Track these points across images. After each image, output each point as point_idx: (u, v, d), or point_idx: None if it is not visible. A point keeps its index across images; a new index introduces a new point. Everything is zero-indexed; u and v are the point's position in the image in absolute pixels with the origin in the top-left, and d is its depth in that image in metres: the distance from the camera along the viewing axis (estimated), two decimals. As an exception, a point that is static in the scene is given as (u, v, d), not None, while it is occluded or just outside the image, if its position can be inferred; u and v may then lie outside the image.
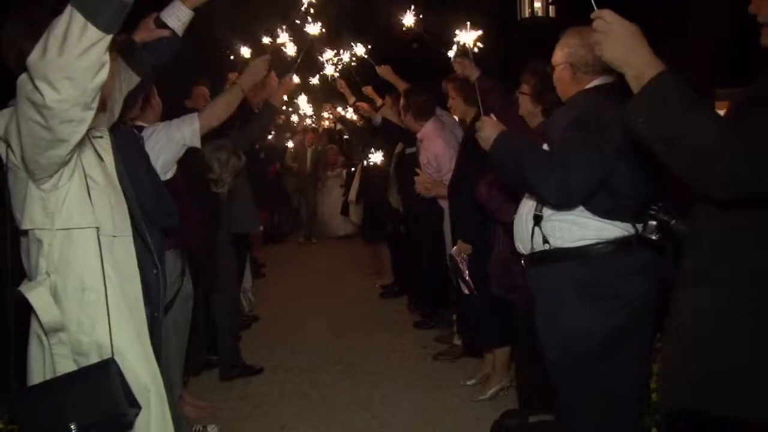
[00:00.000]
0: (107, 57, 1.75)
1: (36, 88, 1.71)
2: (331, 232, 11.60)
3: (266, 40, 4.48)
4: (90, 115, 1.81)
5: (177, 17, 2.68)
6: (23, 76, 1.78)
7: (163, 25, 2.64)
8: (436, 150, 4.94)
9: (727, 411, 1.74)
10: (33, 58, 1.71)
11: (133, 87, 2.49)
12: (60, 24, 1.67)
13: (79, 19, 1.65)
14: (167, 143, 3.25)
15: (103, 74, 1.75)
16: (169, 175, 3.27)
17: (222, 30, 5.58)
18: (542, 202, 2.54)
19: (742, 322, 1.71)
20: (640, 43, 1.72)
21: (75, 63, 1.68)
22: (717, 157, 1.58)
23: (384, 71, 5.44)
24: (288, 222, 12.28)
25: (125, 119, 2.79)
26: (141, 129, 3.28)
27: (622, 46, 1.72)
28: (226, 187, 4.54)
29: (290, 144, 11.88)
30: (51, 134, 1.80)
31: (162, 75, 3.26)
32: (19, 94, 1.81)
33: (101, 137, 2.17)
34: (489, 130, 2.63)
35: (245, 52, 5.17)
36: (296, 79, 4.49)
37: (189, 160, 3.41)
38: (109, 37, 1.71)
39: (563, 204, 2.47)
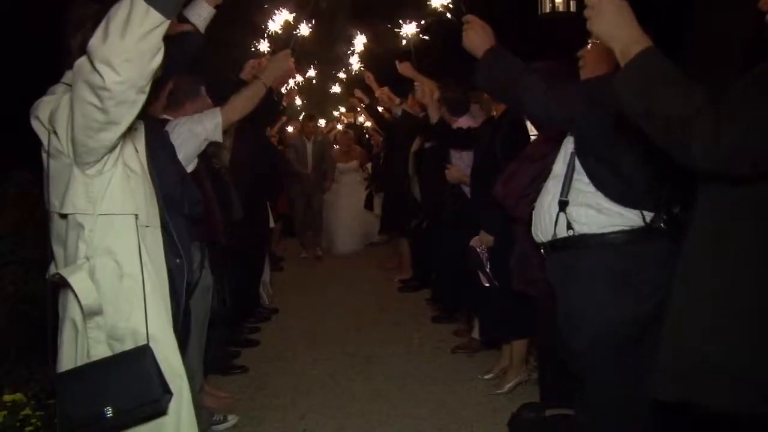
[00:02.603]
0: (162, 43, 1.84)
1: (96, 70, 1.80)
2: (349, 246, 9.65)
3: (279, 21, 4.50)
4: (142, 98, 1.90)
5: (198, 13, 2.73)
6: (81, 60, 1.87)
7: (185, 22, 2.69)
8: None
9: (728, 406, 1.74)
10: (95, 42, 1.80)
11: (155, 78, 2.55)
12: (121, 9, 1.77)
13: (141, 4, 1.75)
14: (189, 137, 3.28)
15: (159, 58, 1.85)
16: (190, 169, 3.31)
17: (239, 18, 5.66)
18: (566, 187, 2.56)
19: (742, 315, 1.72)
20: (628, 19, 1.79)
21: (136, 46, 1.78)
22: (697, 128, 1.61)
23: (404, 68, 5.42)
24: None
25: (148, 112, 2.84)
26: (165, 122, 3.33)
27: (610, 21, 1.80)
28: (228, 154, 4.56)
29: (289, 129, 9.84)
30: (105, 116, 1.88)
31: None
32: (75, 78, 1.90)
33: (135, 128, 2.22)
34: (477, 40, 2.63)
35: (263, 46, 5.24)
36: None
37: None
38: (168, 22, 1.81)
39: (544, 118, 2.62)
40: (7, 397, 3.33)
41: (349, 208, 9.56)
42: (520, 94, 2.56)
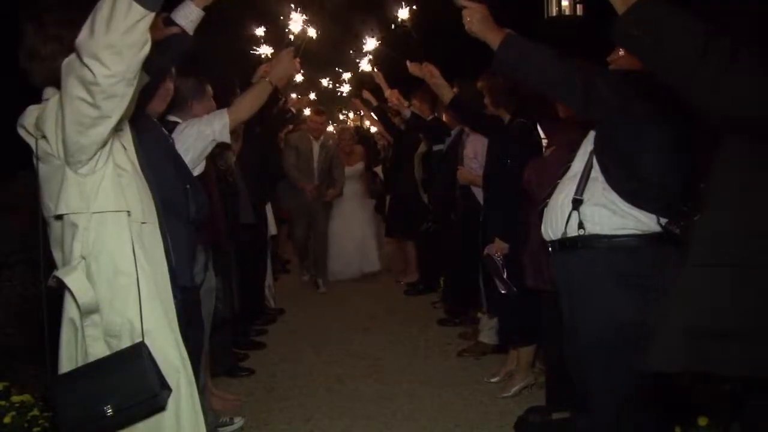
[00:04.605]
0: (148, 35, 1.87)
1: (85, 65, 1.83)
2: (350, 271, 8.07)
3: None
4: (131, 91, 1.93)
5: (186, 15, 2.75)
6: (70, 58, 1.90)
7: (173, 25, 2.71)
8: (484, 144, 4.88)
9: (738, 371, 1.73)
10: (82, 38, 1.84)
11: (143, 84, 2.56)
12: (105, 4, 1.81)
13: None
14: (198, 138, 3.28)
15: (147, 49, 1.88)
16: (198, 171, 3.31)
17: (247, 21, 5.69)
18: (581, 185, 2.54)
19: (755, 280, 1.71)
20: None
21: (122, 39, 1.81)
22: (710, 52, 1.63)
23: (415, 68, 5.39)
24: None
25: (145, 112, 2.85)
26: (175, 124, 3.34)
27: None
28: (234, 156, 4.57)
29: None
30: (96, 111, 1.91)
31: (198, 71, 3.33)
32: (65, 77, 1.92)
33: (121, 129, 2.22)
34: (485, 25, 2.56)
35: (268, 51, 5.29)
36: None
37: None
38: (152, 15, 1.84)
39: (574, 99, 2.52)
40: (15, 398, 3.35)
41: (353, 228, 8.05)
42: (548, 78, 2.51)
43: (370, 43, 5.79)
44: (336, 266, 7.93)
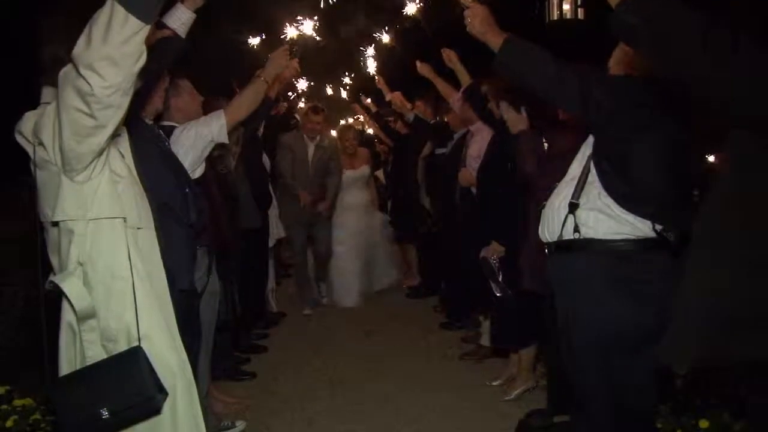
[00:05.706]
0: (144, 46, 1.88)
1: (81, 76, 1.84)
2: (357, 295, 7.06)
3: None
4: (127, 101, 1.95)
5: (178, 18, 2.77)
6: (66, 69, 1.92)
7: (164, 28, 2.73)
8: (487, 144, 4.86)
9: (752, 357, 1.73)
10: (78, 49, 1.85)
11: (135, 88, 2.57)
12: (101, 17, 1.82)
13: (120, 11, 1.79)
14: (197, 140, 3.30)
15: (143, 60, 1.90)
16: (198, 173, 3.32)
17: (243, 26, 5.72)
18: (578, 189, 2.54)
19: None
20: None
21: (118, 50, 1.82)
22: (712, 39, 1.63)
23: (424, 68, 5.38)
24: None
25: (140, 115, 2.86)
26: (172, 128, 3.35)
27: None
28: (234, 160, 4.57)
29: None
30: (93, 121, 1.92)
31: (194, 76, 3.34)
32: (62, 86, 1.94)
33: (119, 135, 2.25)
34: (486, 26, 2.57)
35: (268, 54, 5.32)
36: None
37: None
38: (147, 27, 1.85)
39: (572, 103, 2.52)
40: (17, 402, 3.37)
41: (357, 247, 7.13)
42: (546, 80, 2.51)
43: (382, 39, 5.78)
44: (337, 293, 7.10)
